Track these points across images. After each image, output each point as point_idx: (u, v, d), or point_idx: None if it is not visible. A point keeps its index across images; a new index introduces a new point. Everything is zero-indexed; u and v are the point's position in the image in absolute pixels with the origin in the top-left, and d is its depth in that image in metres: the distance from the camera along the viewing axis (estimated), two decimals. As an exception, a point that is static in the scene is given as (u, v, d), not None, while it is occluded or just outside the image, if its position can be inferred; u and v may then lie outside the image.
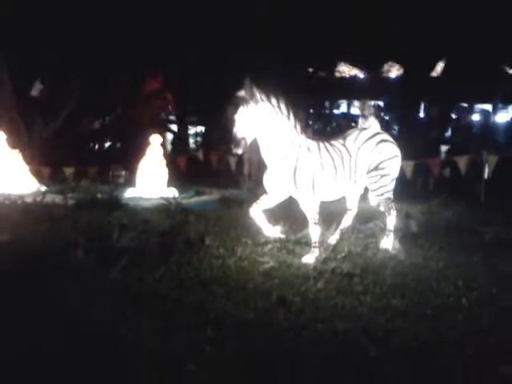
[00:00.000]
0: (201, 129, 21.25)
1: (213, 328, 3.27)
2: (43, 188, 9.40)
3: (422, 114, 18.61)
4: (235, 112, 4.77)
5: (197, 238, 5.62)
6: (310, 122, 18.01)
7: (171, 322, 3.37)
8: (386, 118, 17.86)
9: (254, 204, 5.16)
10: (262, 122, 4.80)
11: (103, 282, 4.12)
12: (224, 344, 3.06)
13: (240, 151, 4.80)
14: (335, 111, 21.88)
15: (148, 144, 9.85)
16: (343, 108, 22.30)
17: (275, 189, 5.05)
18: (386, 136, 5.51)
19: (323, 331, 3.35)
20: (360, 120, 8.01)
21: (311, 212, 5.00)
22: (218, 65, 15.44)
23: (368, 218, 6.18)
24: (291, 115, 4.98)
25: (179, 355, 2.91)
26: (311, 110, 20.06)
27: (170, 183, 9.73)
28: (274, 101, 4.89)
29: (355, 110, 21.77)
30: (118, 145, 19.63)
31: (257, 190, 6.57)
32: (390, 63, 21.10)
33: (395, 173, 5.42)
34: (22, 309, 3.51)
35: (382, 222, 5.70)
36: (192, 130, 21.63)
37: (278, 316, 3.58)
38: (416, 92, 16.88)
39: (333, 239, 5.44)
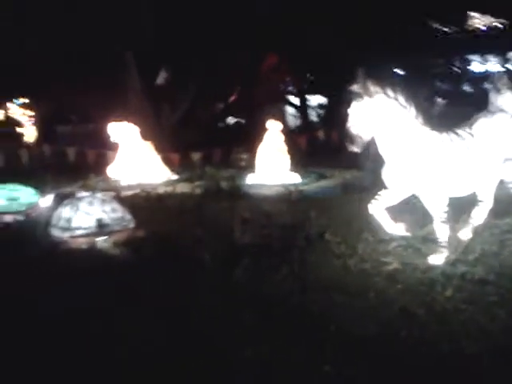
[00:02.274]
0: (323, 100, 20.71)
1: (332, 344, 3.24)
2: (174, 177, 9.95)
3: None
4: (349, 108, 4.59)
5: (317, 232, 5.58)
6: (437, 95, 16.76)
7: (290, 335, 3.39)
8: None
9: (373, 200, 4.94)
10: (378, 116, 4.55)
11: (225, 284, 4.25)
12: (343, 365, 3.02)
13: (356, 149, 4.62)
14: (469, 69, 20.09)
15: (268, 123, 9.91)
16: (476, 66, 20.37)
17: (396, 186, 4.80)
18: None
19: (448, 352, 3.15)
20: (491, 96, 7.08)
21: (438, 209, 4.68)
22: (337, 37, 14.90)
23: (505, 211, 5.62)
24: (411, 105, 4.64)
25: (298, 375, 2.93)
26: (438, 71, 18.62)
27: (291, 166, 9.72)
28: (390, 92, 4.59)
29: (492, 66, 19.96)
30: (241, 121, 20.22)
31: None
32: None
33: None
34: (142, 316, 3.74)
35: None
36: (314, 101, 21.20)
37: (401, 331, 3.44)
38: None
39: (464, 237, 5.07)
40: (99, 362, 3.11)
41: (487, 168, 4.83)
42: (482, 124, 4.85)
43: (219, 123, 18.41)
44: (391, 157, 4.69)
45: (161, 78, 14.61)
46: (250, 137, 12.36)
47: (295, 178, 9.17)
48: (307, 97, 20.18)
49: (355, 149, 4.65)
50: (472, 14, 19.23)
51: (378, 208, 4.95)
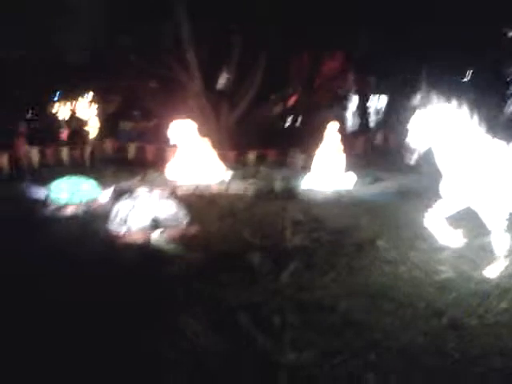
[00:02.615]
0: (383, 101, 20.34)
1: (377, 353, 3.20)
2: (229, 175, 10.07)
3: None
4: (409, 121, 4.55)
5: (369, 238, 5.52)
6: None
7: (334, 342, 3.38)
8: None
9: (429, 210, 4.84)
10: (439, 126, 4.47)
11: (274, 287, 4.27)
12: (387, 374, 2.98)
13: (413, 162, 4.57)
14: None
15: (326, 125, 9.86)
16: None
17: (454, 197, 4.67)
18: None
19: (499, 368, 3.05)
20: None
21: (497, 221, 4.52)
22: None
23: None
24: (475, 114, 4.52)
25: (340, 382, 2.92)
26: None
27: (347, 168, 9.61)
28: (453, 102, 4.49)
29: None
30: (297, 123, 20.15)
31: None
32: None
33: None
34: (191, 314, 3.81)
35: None
36: (373, 104, 20.91)
37: (449, 343, 3.35)
38: None
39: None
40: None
41: None
42: None
43: (277, 123, 18.45)
44: (450, 167, 4.59)
45: (222, 79, 14.81)
46: (306, 137, 12.36)
47: (350, 181, 9.07)
48: (367, 97, 19.91)
49: (411, 161, 4.63)
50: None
51: (433, 217, 4.85)
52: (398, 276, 4.56)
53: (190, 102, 14.65)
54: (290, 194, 8.05)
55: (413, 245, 5.26)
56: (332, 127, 9.56)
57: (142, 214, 5.69)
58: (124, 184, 8.26)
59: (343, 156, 9.56)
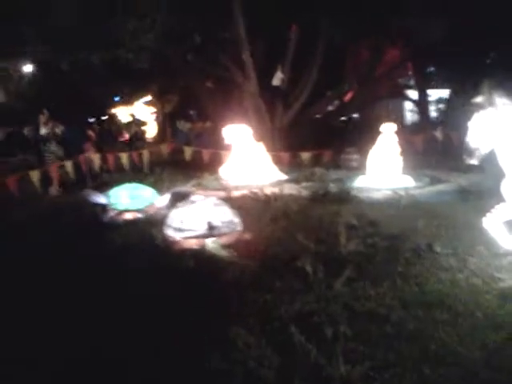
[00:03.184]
0: (445, 94, 19.52)
1: (431, 367, 3.13)
2: (283, 177, 10.10)
3: None
4: (470, 120, 4.42)
5: (426, 243, 5.38)
6: None
7: (387, 354, 3.33)
8: None
9: (489, 213, 4.68)
10: (502, 128, 4.31)
11: (327, 296, 4.25)
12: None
13: (475, 162, 4.43)
14: None
15: (384, 121, 9.69)
16: None
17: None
18: None
19: None
20: None
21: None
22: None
23: None
24: None
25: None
26: None
27: (404, 168, 9.39)
28: None
29: None
30: (355, 119, 19.83)
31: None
32: None
33: None
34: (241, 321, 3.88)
35: None
36: (434, 96, 20.10)
37: (508, 359, 3.23)
38: None
39: None
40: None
41: None
42: None
43: (333, 122, 18.26)
44: None
45: (276, 79, 14.82)
46: (363, 136, 12.16)
47: (407, 182, 8.86)
48: (427, 92, 19.28)
49: (474, 161, 4.49)
50: None
51: (494, 221, 4.69)
52: (456, 284, 4.42)
53: (246, 102, 14.79)
54: (345, 196, 7.96)
55: (471, 250, 5.08)
56: (388, 126, 9.36)
57: (198, 220, 5.81)
58: (180, 188, 8.47)
59: (400, 155, 9.34)
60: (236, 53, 13.93)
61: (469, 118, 4.66)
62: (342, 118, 19.11)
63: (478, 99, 4.40)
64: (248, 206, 7.63)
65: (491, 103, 4.34)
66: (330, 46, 14.55)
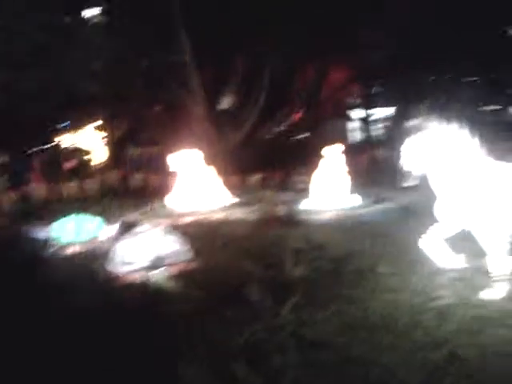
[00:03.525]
0: (388, 114, 20.15)
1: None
2: (233, 201, 10.12)
3: None
4: (404, 143, 4.58)
5: (370, 264, 5.51)
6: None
7: (332, 381, 3.37)
8: None
9: (425, 234, 4.84)
10: (438, 150, 4.49)
11: (274, 324, 4.26)
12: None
13: (407, 185, 4.59)
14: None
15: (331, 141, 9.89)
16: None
17: (449, 220, 4.67)
18: None
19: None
20: None
21: (492, 243, 4.50)
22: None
23: None
24: (475, 138, 4.54)
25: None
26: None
27: (350, 188, 9.57)
28: (455, 125, 4.51)
29: None
30: (304, 139, 20.12)
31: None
32: None
33: None
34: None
35: None
36: (379, 115, 20.71)
37: (447, 378, 3.32)
38: None
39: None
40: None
41: None
42: None
43: (284, 142, 18.50)
44: (446, 190, 4.59)
45: (225, 102, 14.98)
46: (312, 156, 12.36)
47: (353, 202, 9.06)
48: (371, 111, 19.90)
49: (406, 185, 4.64)
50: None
51: (431, 241, 4.85)
52: (398, 305, 4.53)
53: (194, 126, 14.82)
54: (293, 219, 8.06)
55: (413, 269, 5.23)
56: (333, 147, 9.57)
57: (143, 251, 5.74)
58: (128, 218, 8.34)
59: (346, 175, 9.55)
60: (184, 76, 14.00)
61: (406, 139, 4.82)
62: (293, 138, 19.37)
63: (413, 122, 4.57)
64: (196, 233, 7.59)
65: (424, 126, 4.51)
66: (277, 69, 14.85)
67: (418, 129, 4.56)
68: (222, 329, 4.23)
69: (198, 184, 10.04)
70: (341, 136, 19.25)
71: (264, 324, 4.25)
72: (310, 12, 12.56)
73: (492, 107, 15.82)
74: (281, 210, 8.67)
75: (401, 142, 4.84)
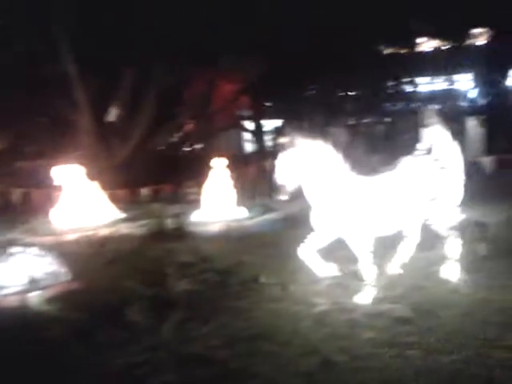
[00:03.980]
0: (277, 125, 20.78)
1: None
2: (120, 216, 9.86)
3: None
4: (276, 159, 4.74)
5: (254, 274, 5.64)
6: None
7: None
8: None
9: (302, 244, 5.06)
10: (307, 165, 4.70)
11: (155, 343, 4.20)
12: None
13: (284, 198, 4.77)
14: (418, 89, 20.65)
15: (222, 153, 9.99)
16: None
17: (324, 228, 4.93)
18: (442, 162, 5.19)
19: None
20: (421, 132, 7.30)
21: (363, 250, 4.82)
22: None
23: (431, 244, 5.71)
24: (339, 152, 4.82)
25: None
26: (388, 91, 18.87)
27: (238, 198, 9.72)
28: (320, 141, 4.76)
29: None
30: (194, 152, 20.14)
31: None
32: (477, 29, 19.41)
33: (454, 199, 5.11)
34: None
35: (446, 249, 5.34)
36: (269, 127, 21.27)
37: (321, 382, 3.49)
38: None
39: (391, 272, 5.22)
40: None
41: (413, 207, 5.01)
42: (407, 166, 5.03)
43: (173, 154, 18.37)
44: (318, 201, 4.83)
45: (112, 115, 14.57)
46: (202, 168, 12.39)
47: (242, 213, 9.22)
48: (262, 122, 20.38)
49: (283, 198, 4.81)
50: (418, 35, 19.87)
51: (308, 250, 5.06)
52: (279, 313, 4.69)
53: (80, 139, 14.27)
54: (182, 233, 8.03)
55: (293, 278, 5.44)
56: (221, 158, 9.69)
57: (17, 274, 5.40)
58: (5, 237, 7.82)
59: (233, 187, 9.70)
60: (67, 88, 13.45)
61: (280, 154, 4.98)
62: (185, 150, 19.33)
63: (284, 138, 4.76)
64: (80, 251, 7.31)
65: (295, 141, 4.71)
66: (166, 81, 14.74)
67: (290, 144, 4.74)
68: (98, 353, 4.09)
69: (82, 199, 9.66)
70: (233, 147, 19.61)
71: (143, 345, 4.17)
72: (195, 26, 12.66)
73: (366, 120, 16.91)
74: (170, 223, 8.60)
75: (278, 155, 5.00)
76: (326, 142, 4.83)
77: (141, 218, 9.32)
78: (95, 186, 10.18)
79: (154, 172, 13.84)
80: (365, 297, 4.75)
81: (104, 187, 10.61)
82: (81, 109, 13.60)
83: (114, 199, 10.75)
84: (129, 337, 4.30)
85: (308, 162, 4.68)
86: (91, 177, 10.45)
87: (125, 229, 8.60)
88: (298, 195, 5.11)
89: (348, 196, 4.76)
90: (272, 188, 4.82)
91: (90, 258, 6.86)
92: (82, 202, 9.61)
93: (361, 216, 4.77)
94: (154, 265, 6.34)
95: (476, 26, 18.48)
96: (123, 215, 9.91)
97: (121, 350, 4.05)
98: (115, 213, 9.98)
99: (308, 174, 4.73)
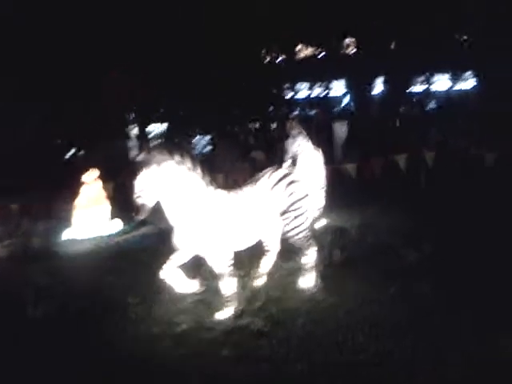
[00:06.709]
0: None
1: None
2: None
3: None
4: (134, 177, 4.66)
5: (119, 295, 5.52)
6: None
7: None
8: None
9: (165, 264, 5.02)
10: (164, 183, 4.68)
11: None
12: None
13: (143, 216, 4.71)
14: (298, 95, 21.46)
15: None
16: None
17: (184, 246, 4.93)
18: (297, 175, 5.41)
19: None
20: (288, 141, 7.65)
21: (221, 265, 4.89)
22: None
23: (290, 254, 5.87)
24: (198, 169, 4.85)
25: None
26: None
27: (113, 213, 9.37)
28: (177, 158, 4.75)
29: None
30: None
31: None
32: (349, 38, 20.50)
33: (309, 211, 5.35)
34: None
35: (305, 258, 5.57)
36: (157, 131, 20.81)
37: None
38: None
39: (251, 286, 5.37)
40: None
41: (271, 220, 5.17)
42: (266, 179, 5.16)
43: (52, 162, 17.35)
44: (177, 221, 4.82)
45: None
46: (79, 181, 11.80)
47: (115, 227, 8.95)
48: (149, 128, 19.94)
49: (142, 217, 4.74)
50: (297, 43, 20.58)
51: (169, 270, 5.01)
52: (139, 336, 4.63)
53: None
54: (48, 253, 7.64)
55: (156, 297, 5.38)
56: (89, 175, 9.31)
57: None
58: None
59: (106, 205, 9.32)
60: None
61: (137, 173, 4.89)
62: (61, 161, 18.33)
63: (140, 158, 4.68)
64: None
65: (152, 161, 4.66)
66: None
67: (147, 162, 4.68)
68: None
69: None
70: (117, 157, 18.92)
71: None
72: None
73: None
74: (38, 243, 8.16)
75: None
76: (183, 156, 4.82)
77: (6, 238, 8.70)
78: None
79: (30, 184, 12.98)
80: (225, 312, 4.83)
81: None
82: None
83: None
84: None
85: (164, 179, 4.65)
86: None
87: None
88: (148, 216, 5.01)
89: (205, 212, 4.80)
90: (130, 206, 4.70)
91: None
92: None
93: (219, 231, 4.84)
94: (9, 289, 5.99)
95: (346, 36, 19.59)
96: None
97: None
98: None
99: (164, 191, 4.71)
